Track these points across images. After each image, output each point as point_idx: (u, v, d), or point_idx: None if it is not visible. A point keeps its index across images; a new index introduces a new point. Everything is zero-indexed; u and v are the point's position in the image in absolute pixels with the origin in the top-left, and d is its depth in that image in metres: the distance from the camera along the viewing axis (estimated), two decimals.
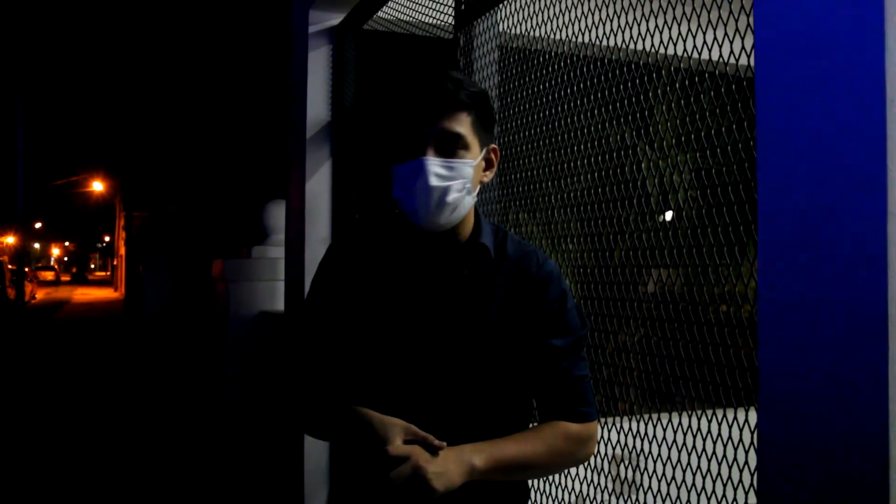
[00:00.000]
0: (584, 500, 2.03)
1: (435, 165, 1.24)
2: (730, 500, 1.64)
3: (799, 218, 0.92)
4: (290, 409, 1.41)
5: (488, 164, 1.35)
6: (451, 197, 1.25)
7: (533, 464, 1.27)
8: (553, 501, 2.11)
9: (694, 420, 1.79)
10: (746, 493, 1.59)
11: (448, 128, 1.25)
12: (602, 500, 1.98)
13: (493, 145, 1.35)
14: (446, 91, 1.25)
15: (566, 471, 2.07)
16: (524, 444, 1.26)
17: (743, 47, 1.48)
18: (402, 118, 1.27)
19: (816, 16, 0.94)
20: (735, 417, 1.67)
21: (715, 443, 1.70)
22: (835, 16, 0.91)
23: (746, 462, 1.59)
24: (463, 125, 1.27)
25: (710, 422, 1.72)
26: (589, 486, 2.00)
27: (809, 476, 0.90)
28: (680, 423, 1.82)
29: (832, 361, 0.88)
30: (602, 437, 1.95)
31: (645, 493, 1.86)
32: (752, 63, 1.49)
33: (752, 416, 1.63)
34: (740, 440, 1.62)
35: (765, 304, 0.95)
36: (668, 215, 2.14)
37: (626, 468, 1.95)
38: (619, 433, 1.95)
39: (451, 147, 1.26)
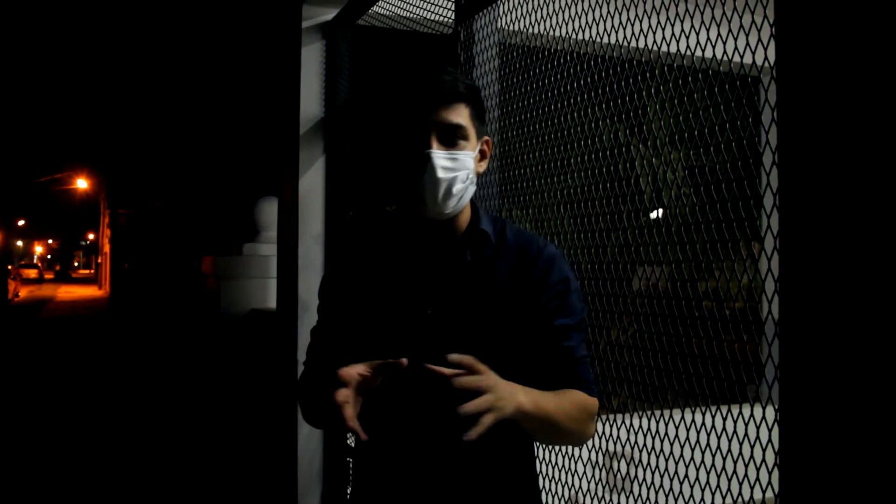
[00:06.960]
0: (578, 494, 2.05)
1: (441, 158, 1.27)
2: (724, 491, 1.67)
3: (824, 214, 0.92)
4: (300, 405, 1.44)
5: (482, 156, 1.38)
6: (457, 187, 1.29)
7: (559, 422, 1.28)
8: (551, 496, 2.13)
9: (693, 415, 1.81)
10: (741, 483, 1.61)
11: (450, 119, 1.28)
12: (597, 494, 2.00)
13: (487, 137, 1.39)
14: (446, 83, 1.28)
15: (568, 454, 2.09)
16: (557, 399, 1.28)
17: (748, 44, 1.50)
18: (403, 110, 1.29)
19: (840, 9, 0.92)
20: (729, 411, 1.69)
21: (709, 435, 1.73)
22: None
23: (741, 453, 1.62)
24: (462, 116, 1.30)
25: (703, 416, 1.74)
26: (581, 479, 2.02)
27: (834, 476, 0.90)
28: (671, 418, 1.84)
29: (858, 358, 0.88)
30: (597, 432, 1.97)
31: (639, 486, 1.88)
32: (752, 61, 1.52)
33: (745, 411, 1.65)
34: (734, 432, 1.64)
35: (787, 300, 0.95)
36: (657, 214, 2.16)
37: (620, 462, 1.97)
38: (618, 429, 1.97)
39: (453, 138, 1.29)
